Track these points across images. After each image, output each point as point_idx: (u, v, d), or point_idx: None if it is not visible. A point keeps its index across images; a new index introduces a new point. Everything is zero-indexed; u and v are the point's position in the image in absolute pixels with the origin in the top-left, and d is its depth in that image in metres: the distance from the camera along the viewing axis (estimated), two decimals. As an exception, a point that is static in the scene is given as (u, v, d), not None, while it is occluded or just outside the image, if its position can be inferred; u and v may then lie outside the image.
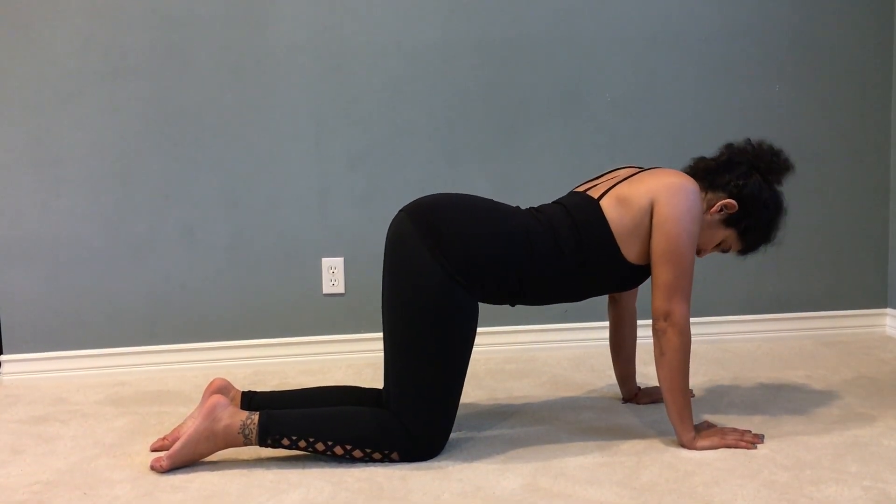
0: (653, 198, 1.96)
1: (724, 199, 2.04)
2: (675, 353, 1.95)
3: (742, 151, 2.10)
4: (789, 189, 2.14)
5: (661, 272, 1.95)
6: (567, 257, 1.96)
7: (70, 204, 2.73)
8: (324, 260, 2.87)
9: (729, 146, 2.12)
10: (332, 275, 2.87)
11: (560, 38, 2.91)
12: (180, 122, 2.76)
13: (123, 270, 2.77)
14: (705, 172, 2.08)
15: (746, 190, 2.04)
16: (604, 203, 2.00)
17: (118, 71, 2.71)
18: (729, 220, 2.06)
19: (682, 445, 1.99)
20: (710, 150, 2.95)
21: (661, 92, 2.98)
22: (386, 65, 2.84)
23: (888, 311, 3.17)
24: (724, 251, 2.13)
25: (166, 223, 2.78)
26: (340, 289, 2.89)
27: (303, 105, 2.82)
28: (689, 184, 1.97)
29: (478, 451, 2.00)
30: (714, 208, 2.04)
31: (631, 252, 1.99)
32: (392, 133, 2.87)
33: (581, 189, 2.13)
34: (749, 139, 2.12)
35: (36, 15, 2.65)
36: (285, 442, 1.88)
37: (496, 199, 2.08)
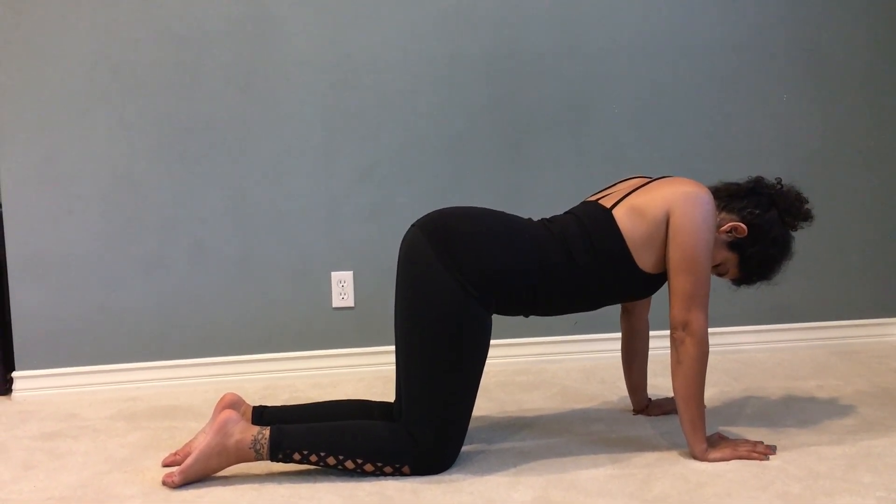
0: (668, 207, 1.95)
1: (737, 221, 2.05)
2: (692, 363, 1.94)
3: (768, 186, 2.11)
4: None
5: (679, 282, 1.94)
6: (580, 268, 1.96)
7: (81, 220, 2.75)
8: (333, 274, 2.88)
9: (758, 178, 2.12)
10: (342, 288, 2.88)
11: (566, 50, 2.92)
12: (189, 138, 2.78)
13: (134, 286, 2.78)
14: (726, 193, 2.09)
15: (760, 220, 2.04)
16: (617, 212, 2.00)
17: (128, 88, 2.73)
18: (734, 244, 2.05)
19: (694, 457, 1.98)
20: (718, 161, 2.95)
21: (669, 103, 2.99)
22: (393, 79, 2.85)
23: (899, 319, 3.16)
24: (720, 275, 2.12)
25: (176, 238, 2.80)
26: (350, 302, 2.89)
27: (311, 119, 2.83)
28: (704, 193, 1.97)
29: (489, 464, 2.00)
30: (724, 228, 2.04)
31: (645, 261, 1.98)
32: (400, 147, 2.88)
33: (593, 199, 2.13)
34: (780, 178, 2.13)
35: (46, 34, 2.68)
36: (296, 456, 1.88)
37: (506, 212, 2.08)
